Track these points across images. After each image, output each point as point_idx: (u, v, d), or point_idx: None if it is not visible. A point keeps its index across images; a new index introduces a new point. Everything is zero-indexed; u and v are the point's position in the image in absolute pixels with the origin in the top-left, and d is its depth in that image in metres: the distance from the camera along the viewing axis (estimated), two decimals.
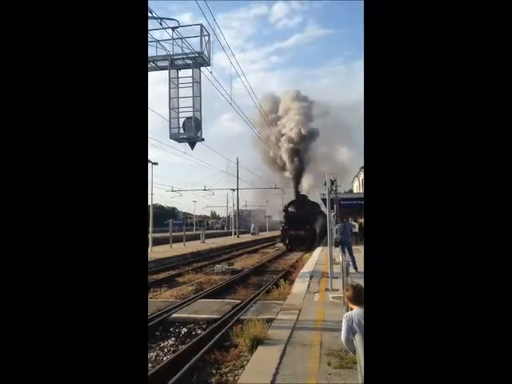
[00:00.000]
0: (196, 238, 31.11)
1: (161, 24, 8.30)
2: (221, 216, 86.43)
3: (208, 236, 32.74)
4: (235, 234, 37.94)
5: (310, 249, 20.43)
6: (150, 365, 4.74)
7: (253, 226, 46.95)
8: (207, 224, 75.19)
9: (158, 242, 23.09)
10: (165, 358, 4.92)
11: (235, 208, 40.29)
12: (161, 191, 52.97)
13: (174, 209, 79.89)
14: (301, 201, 25.79)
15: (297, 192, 27.40)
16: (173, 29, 9.22)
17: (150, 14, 7.82)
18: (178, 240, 25.30)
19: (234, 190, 38.68)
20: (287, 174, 27.97)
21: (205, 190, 42.43)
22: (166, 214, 64.97)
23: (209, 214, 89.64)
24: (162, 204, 69.04)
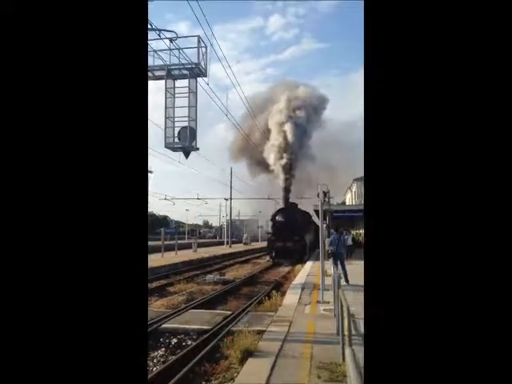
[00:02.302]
0: (188, 246, 30.92)
1: (159, 35, 8.40)
2: (213, 225, 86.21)
3: (200, 245, 32.55)
4: (227, 243, 37.82)
5: (298, 262, 18.41)
6: None
7: (245, 235, 46.88)
8: (199, 233, 74.85)
9: (149, 250, 22.88)
10: (154, 369, 4.88)
11: (228, 217, 40.24)
12: (154, 199, 52.52)
13: (165, 217, 79.44)
14: (290, 209, 23.34)
15: (286, 199, 24.89)
16: (170, 40, 9.34)
17: (149, 26, 7.92)
18: (169, 248, 25.14)
19: (227, 199, 38.71)
20: (279, 181, 26.32)
21: (198, 198, 42.44)
22: (158, 223, 64.61)
23: (201, 223, 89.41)
24: (155, 212, 68.63)
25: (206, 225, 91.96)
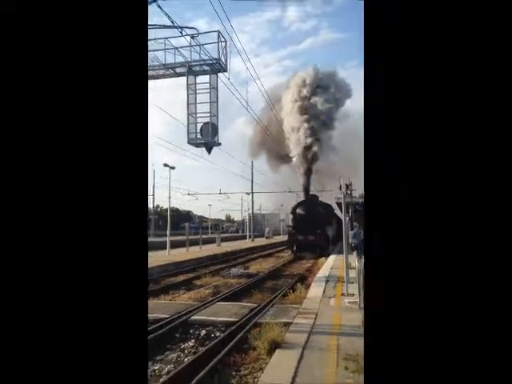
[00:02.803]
0: (211, 241, 31.35)
1: (181, 33, 8.54)
2: (235, 219, 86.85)
3: (223, 239, 32.93)
4: (250, 237, 38.11)
5: (321, 256, 18.15)
6: (171, 366, 4.89)
7: (267, 229, 47.09)
8: (222, 228, 75.56)
9: (174, 245, 23.40)
10: (186, 359, 5.06)
11: (250, 211, 40.49)
12: (177, 195, 53.26)
13: (189, 212, 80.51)
14: (311, 202, 22.64)
15: (307, 192, 24.27)
16: (192, 36, 9.46)
17: (170, 23, 8.05)
18: (193, 243, 25.56)
19: (248, 193, 38.92)
20: (300, 174, 25.51)
21: (220, 193, 42.83)
22: (182, 218, 65.65)
23: (223, 218, 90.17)
24: (178, 207, 69.63)
25: (229, 219, 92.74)
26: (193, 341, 5.88)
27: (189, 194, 41.21)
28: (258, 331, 5.39)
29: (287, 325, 5.72)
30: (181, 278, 12.65)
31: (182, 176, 48.51)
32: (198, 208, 73.34)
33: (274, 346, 4.74)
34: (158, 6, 6.84)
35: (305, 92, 25.55)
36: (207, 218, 69.23)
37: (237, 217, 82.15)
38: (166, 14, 7.27)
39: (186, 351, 5.44)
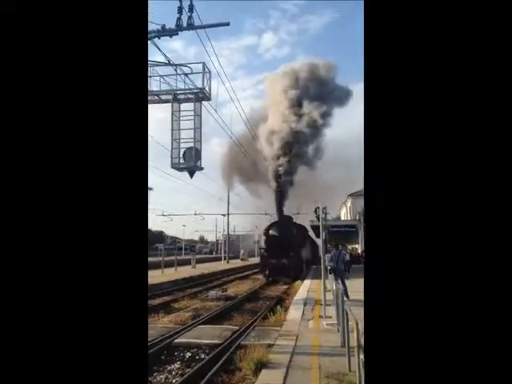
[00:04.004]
0: (186, 262, 31.00)
1: (176, 70, 9.05)
2: (209, 240, 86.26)
3: (197, 261, 32.64)
4: (225, 258, 38.01)
5: (296, 280, 17.39)
6: None
7: (242, 251, 47.11)
8: (195, 248, 74.76)
9: (148, 266, 22.94)
10: (174, 381, 5.21)
11: (225, 233, 40.50)
12: (151, 215, 52.38)
13: (161, 232, 79.24)
14: (284, 223, 21.30)
15: (280, 213, 22.82)
16: (186, 75, 9.92)
17: (166, 61, 8.53)
18: (167, 265, 25.22)
19: (224, 215, 39.08)
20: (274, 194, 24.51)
21: (195, 214, 42.74)
22: (154, 238, 64.51)
23: (197, 238, 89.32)
24: (150, 228, 68.44)
25: (202, 240, 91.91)
26: (179, 363, 6.02)
27: (163, 215, 40.87)
28: (243, 352, 5.62)
29: (270, 346, 5.98)
30: (157, 301, 12.59)
31: (156, 196, 47.91)
32: (172, 229, 72.39)
33: (260, 366, 5.00)
34: (155, 45, 7.25)
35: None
36: (180, 239, 68.37)
37: (210, 238, 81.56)
38: (163, 53, 7.70)
39: (173, 373, 5.58)
